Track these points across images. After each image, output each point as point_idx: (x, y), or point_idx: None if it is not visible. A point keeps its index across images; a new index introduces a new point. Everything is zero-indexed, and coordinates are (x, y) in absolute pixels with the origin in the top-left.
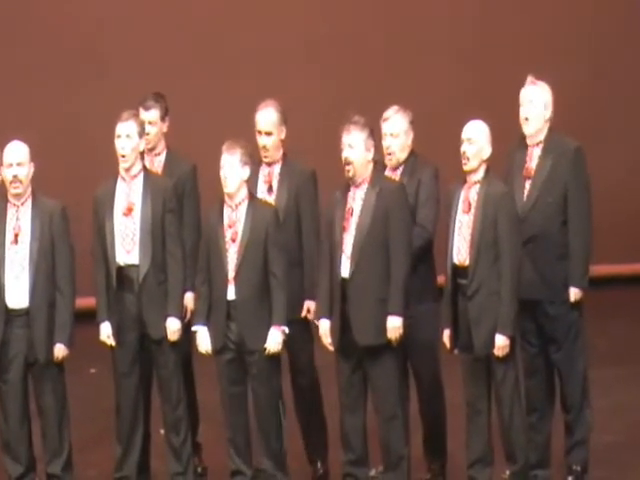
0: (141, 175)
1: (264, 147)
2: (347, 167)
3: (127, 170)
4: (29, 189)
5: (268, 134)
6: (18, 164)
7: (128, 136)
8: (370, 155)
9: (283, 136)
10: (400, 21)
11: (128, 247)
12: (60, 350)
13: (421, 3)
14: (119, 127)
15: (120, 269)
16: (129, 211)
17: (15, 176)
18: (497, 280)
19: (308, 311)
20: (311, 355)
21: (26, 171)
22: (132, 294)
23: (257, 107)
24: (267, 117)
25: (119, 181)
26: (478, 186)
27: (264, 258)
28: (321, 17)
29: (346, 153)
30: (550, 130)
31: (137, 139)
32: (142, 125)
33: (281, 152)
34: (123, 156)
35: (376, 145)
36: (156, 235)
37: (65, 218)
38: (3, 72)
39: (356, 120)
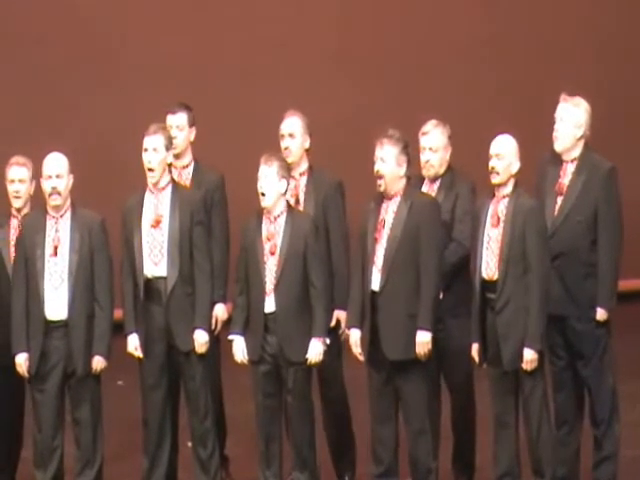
0: (169, 187)
1: (286, 149)
2: (379, 181)
3: (155, 183)
4: (68, 201)
5: (291, 136)
6: (57, 176)
7: (155, 150)
8: (402, 170)
9: (307, 145)
10: (428, 33)
11: (156, 259)
12: (98, 362)
13: (450, 15)
14: (146, 140)
15: (148, 281)
16: (157, 223)
17: (54, 188)
18: (525, 294)
19: (338, 321)
20: (340, 368)
21: (65, 183)
22: (160, 306)
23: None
24: (291, 122)
25: (147, 193)
26: (507, 200)
27: (303, 269)
28: (351, 28)
29: (378, 166)
30: (586, 148)
31: (164, 152)
32: (169, 138)
33: (307, 165)
34: (150, 170)
35: (411, 160)
36: (184, 247)
37: (104, 230)
38: (32, 86)
39: (390, 134)
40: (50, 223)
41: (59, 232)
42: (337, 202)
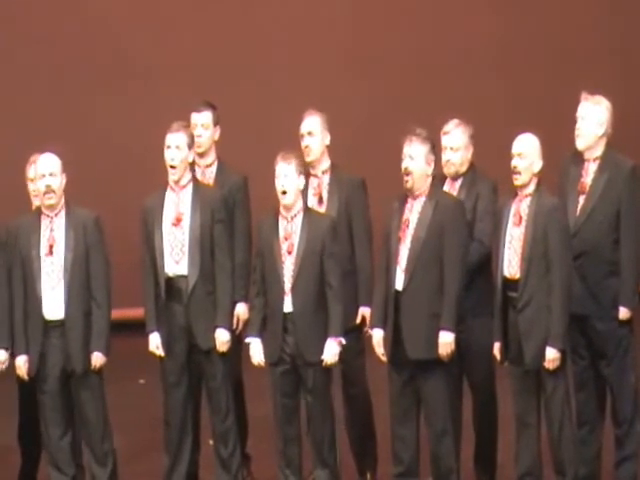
0: (190, 185)
1: (307, 147)
2: (406, 177)
3: (176, 181)
4: (62, 200)
5: (310, 134)
6: (50, 174)
7: (178, 147)
8: (430, 169)
9: (327, 142)
10: (449, 33)
11: (177, 257)
12: (98, 358)
13: (470, 14)
14: (169, 138)
15: (169, 280)
16: (178, 221)
17: (48, 186)
18: (547, 293)
19: (363, 318)
20: (363, 366)
21: (59, 182)
22: (181, 305)
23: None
24: (310, 120)
25: (168, 191)
26: (529, 199)
27: (320, 269)
28: (370, 27)
29: (406, 163)
30: (608, 146)
31: (186, 150)
32: (192, 137)
33: (329, 162)
34: (172, 167)
35: (436, 160)
36: (205, 246)
37: (99, 227)
38: (42, 84)
39: (418, 132)
40: (45, 223)
41: (54, 231)
42: (360, 200)
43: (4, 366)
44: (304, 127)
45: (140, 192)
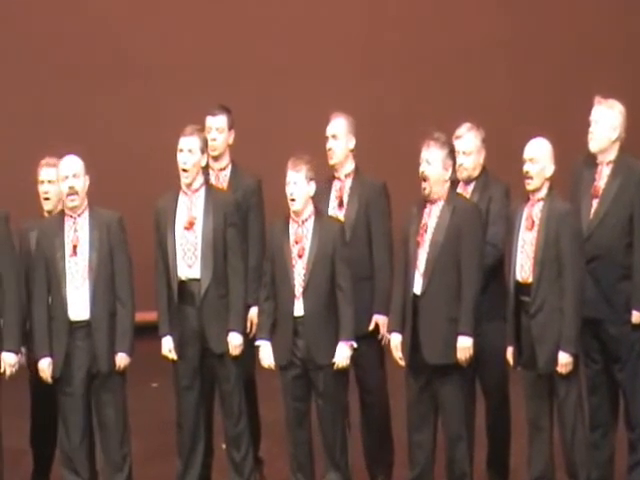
0: (203, 189)
1: (330, 150)
2: (423, 184)
3: (189, 184)
4: (85, 201)
5: (334, 137)
6: (74, 175)
7: (190, 151)
8: (447, 174)
9: (351, 146)
10: (462, 36)
11: (189, 261)
12: (122, 359)
13: (483, 18)
14: (182, 141)
15: (182, 283)
16: (190, 225)
17: (71, 187)
18: (560, 297)
19: (376, 326)
20: (380, 372)
21: (82, 183)
22: (193, 308)
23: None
24: (335, 123)
25: (181, 195)
26: (541, 204)
27: (331, 273)
28: (387, 30)
29: (423, 168)
30: (621, 150)
31: (199, 154)
32: (205, 141)
33: (353, 166)
34: (185, 170)
35: (454, 165)
36: (218, 249)
37: (122, 228)
38: (58, 87)
39: (437, 137)
40: (68, 224)
41: (78, 232)
42: (380, 205)
43: (14, 369)
44: (329, 130)
45: (147, 194)
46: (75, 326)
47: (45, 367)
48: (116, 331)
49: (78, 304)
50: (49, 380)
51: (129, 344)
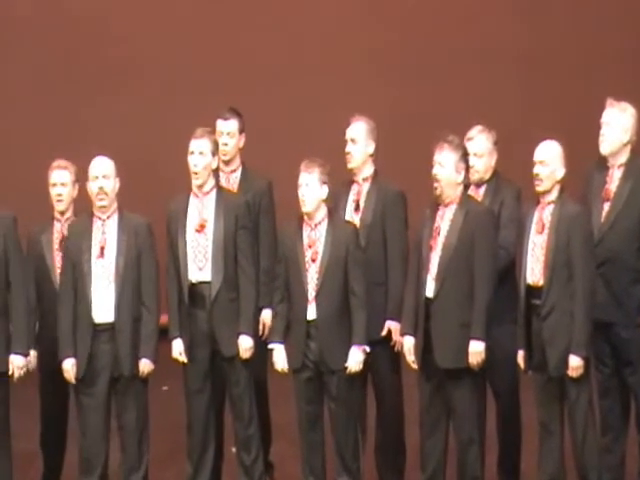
0: (214, 192)
1: (348, 153)
2: (435, 184)
3: (200, 187)
4: (115, 204)
5: (352, 141)
6: (104, 176)
7: (201, 153)
8: (460, 177)
9: (371, 150)
10: (476, 40)
11: (200, 264)
12: (146, 365)
13: (496, 22)
14: (192, 144)
15: (192, 286)
16: (201, 228)
17: (101, 188)
18: (571, 300)
19: (389, 332)
20: (395, 377)
21: (112, 184)
22: (204, 311)
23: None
24: (354, 127)
25: (192, 197)
26: (552, 206)
27: (344, 277)
28: (397, 35)
29: (435, 170)
30: (633, 153)
31: (210, 157)
32: (216, 143)
33: (371, 171)
34: (195, 173)
35: (467, 168)
36: (228, 252)
37: (151, 233)
38: (74, 90)
39: (450, 139)
40: (97, 225)
41: (106, 234)
42: (397, 212)
43: (22, 372)
44: (348, 133)
45: (164, 198)
46: (99, 328)
47: (69, 367)
48: (140, 336)
49: (103, 306)
50: (72, 381)
51: (153, 350)
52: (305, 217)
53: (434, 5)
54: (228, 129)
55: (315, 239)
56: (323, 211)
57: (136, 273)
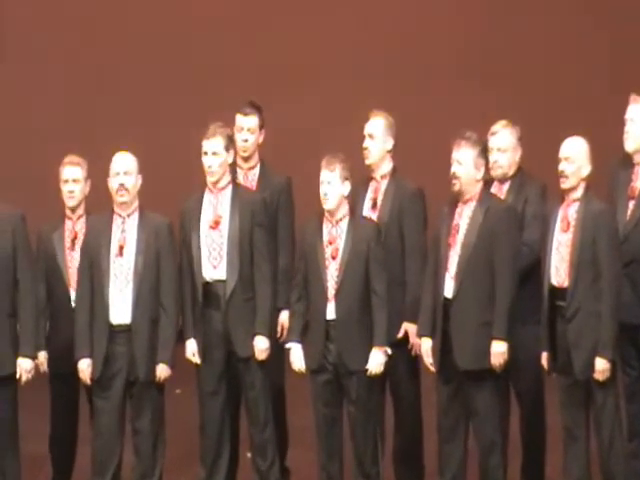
0: (229, 188)
1: (366, 149)
2: (454, 181)
3: (215, 183)
4: (136, 202)
5: (370, 136)
6: (125, 172)
7: (214, 154)
8: (479, 174)
9: (389, 147)
10: (500, 37)
11: (215, 262)
12: (163, 370)
13: (515, 17)
14: (205, 144)
15: (206, 285)
16: (216, 224)
17: (122, 184)
18: (597, 301)
19: (406, 333)
20: (413, 380)
21: (133, 181)
22: (218, 311)
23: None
24: (372, 122)
25: (206, 193)
26: (577, 204)
27: (365, 275)
28: (417, 33)
29: (454, 168)
30: None
31: (224, 154)
32: (229, 138)
33: (390, 167)
34: (211, 172)
35: (486, 164)
36: (244, 249)
37: (171, 233)
38: (93, 87)
39: (468, 136)
40: (116, 223)
41: (125, 232)
42: (415, 210)
43: (30, 375)
44: (366, 128)
45: (184, 195)
46: (116, 330)
47: (84, 368)
48: (157, 338)
49: (120, 307)
50: (87, 381)
51: (170, 354)
52: (326, 214)
53: (454, 1)
54: (248, 125)
55: (336, 236)
56: (345, 208)
57: (155, 274)
